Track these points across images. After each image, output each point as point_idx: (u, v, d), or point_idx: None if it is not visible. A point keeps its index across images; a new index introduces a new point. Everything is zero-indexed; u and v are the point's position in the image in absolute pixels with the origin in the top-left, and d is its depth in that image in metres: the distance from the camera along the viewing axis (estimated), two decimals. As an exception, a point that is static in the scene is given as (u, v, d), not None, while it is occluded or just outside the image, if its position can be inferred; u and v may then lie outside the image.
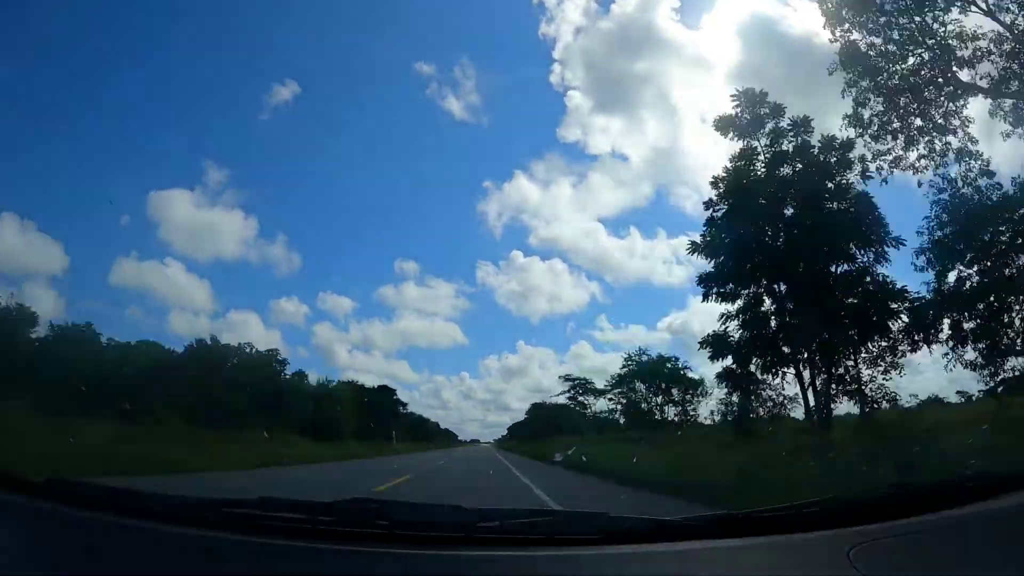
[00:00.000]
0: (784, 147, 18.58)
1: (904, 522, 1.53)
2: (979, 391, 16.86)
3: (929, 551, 1.46)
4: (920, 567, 1.42)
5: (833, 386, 17.59)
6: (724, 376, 19.32)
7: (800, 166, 18.28)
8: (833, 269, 17.81)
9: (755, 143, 18.98)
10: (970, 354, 16.18)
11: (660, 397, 35.00)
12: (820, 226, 17.06)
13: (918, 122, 15.98)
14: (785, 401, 18.49)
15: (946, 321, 16.65)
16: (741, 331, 18.64)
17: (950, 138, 15.73)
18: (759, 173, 18.71)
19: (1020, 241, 15.66)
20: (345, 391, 49.34)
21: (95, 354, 29.13)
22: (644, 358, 36.18)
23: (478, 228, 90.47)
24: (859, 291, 17.54)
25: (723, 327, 18.83)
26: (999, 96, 15.10)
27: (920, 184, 16.51)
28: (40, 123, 54.61)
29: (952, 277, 16.48)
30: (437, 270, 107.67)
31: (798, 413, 18.31)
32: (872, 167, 16.70)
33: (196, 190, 75.05)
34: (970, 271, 16.26)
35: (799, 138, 18.54)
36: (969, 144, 15.62)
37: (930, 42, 15.28)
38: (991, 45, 14.76)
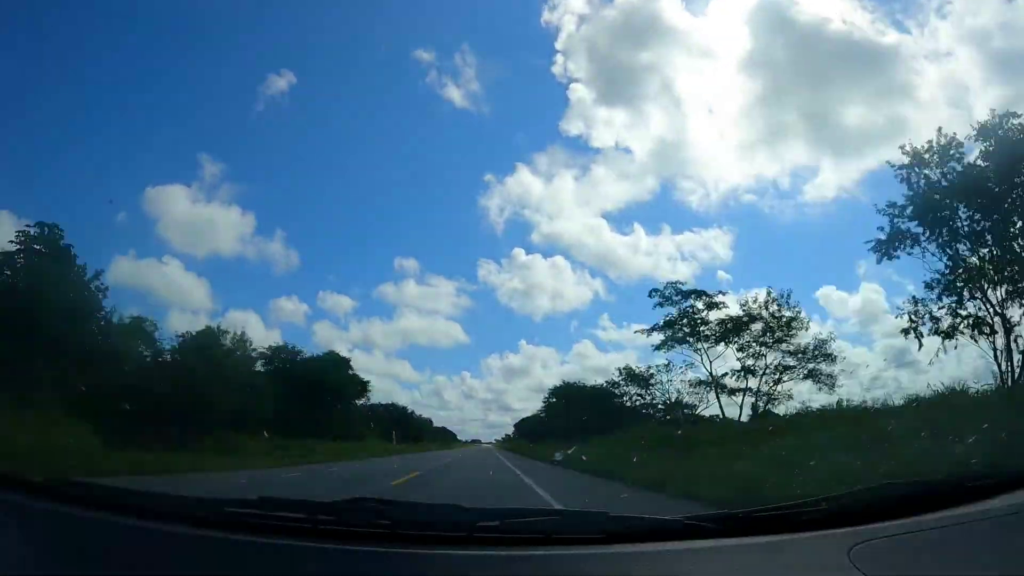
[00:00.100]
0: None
1: (904, 522, 1.53)
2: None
3: (929, 551, 1.46)
4: (920, 567, 1.42)
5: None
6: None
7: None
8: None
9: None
10: None
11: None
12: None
13: None
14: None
15: None
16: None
17: None
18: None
19: None
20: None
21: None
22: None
23: (479, 224, 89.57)
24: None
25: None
26: None
27: None
28: (30, 117, 53.59)
29: None
30: (438, 267, 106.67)
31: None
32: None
33: (193, 186, 73.98)
34: None
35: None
36: None
37: None
38: None
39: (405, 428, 67.91)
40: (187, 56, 69.07)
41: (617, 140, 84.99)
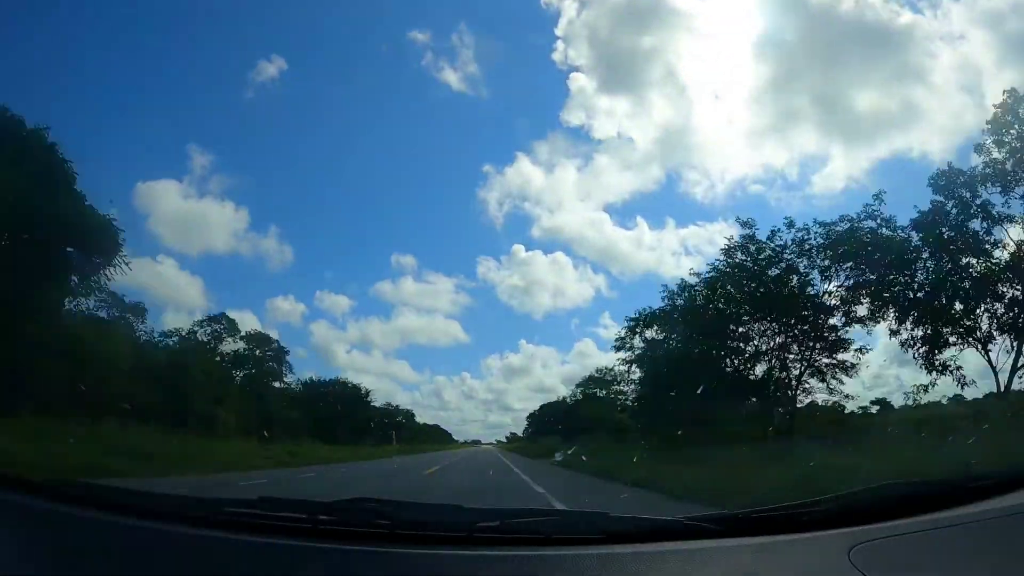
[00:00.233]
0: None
1: (904, 522, 1.53)
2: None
3: (929, 551, 1.46)
4: (920, 567, 1.42)
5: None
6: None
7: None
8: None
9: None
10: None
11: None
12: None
13: None
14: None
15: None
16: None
17: None
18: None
19: None
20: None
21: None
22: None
23: (478, 219, 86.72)
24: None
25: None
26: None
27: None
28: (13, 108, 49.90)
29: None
30: (436, 264, 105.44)
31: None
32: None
33: (184, 180, 70.87)
34: None
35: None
36: None
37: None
38: None
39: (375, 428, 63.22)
40: (173, 45, 66.50)
41: (620, 130, 79.49)
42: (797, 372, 21.31)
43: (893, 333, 19.51)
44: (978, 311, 18.62)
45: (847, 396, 20.99)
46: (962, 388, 18.79)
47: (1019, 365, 17.53)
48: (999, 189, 18.12)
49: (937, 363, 18.78)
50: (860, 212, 19.86)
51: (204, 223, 65.22)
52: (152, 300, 69.09)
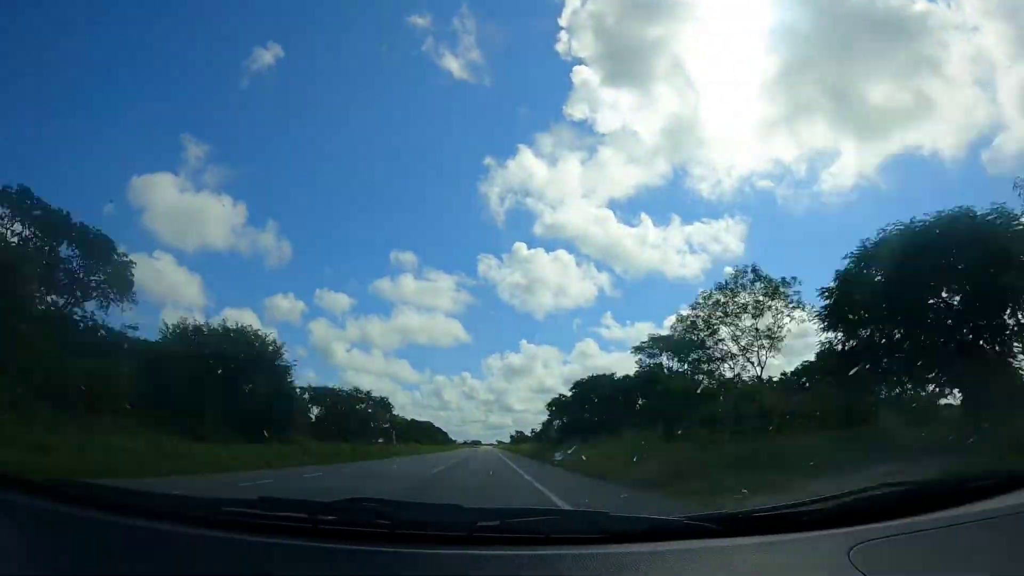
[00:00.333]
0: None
1: (904, 522, 1.53)
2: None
3: (929, 551, 1.46)
4: (920, 567, 1.42)
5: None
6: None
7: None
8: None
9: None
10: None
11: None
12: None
13: None
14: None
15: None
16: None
17: None
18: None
19: None
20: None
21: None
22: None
23: (479, 215, 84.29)
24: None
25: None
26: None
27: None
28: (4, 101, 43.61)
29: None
30: (436, 261, 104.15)
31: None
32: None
33: (180, 173, 67.82)
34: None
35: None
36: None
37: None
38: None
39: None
40: (163, 29, 61.86)
41: (624, 124, 75.69)
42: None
43: None
44: None
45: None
46: None
47: None
48: None
49: None
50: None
51: (201, 218, 64.43)
52: (152, 299, 67.54)
